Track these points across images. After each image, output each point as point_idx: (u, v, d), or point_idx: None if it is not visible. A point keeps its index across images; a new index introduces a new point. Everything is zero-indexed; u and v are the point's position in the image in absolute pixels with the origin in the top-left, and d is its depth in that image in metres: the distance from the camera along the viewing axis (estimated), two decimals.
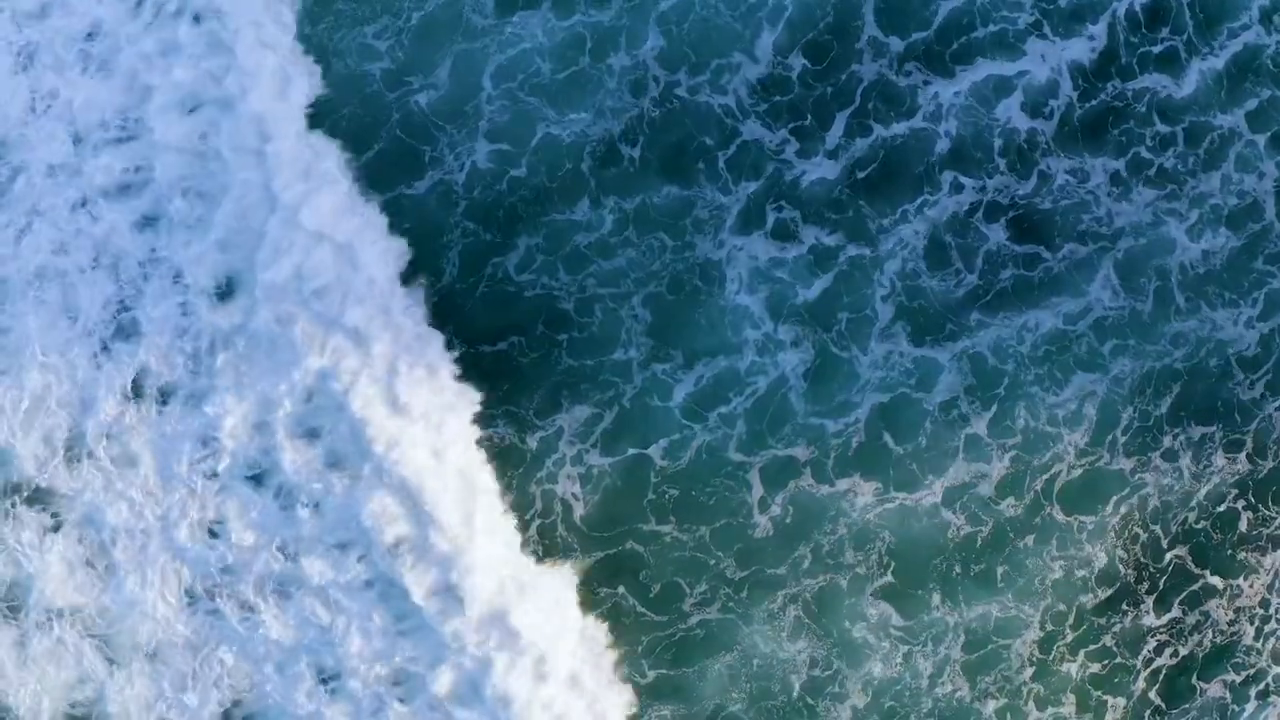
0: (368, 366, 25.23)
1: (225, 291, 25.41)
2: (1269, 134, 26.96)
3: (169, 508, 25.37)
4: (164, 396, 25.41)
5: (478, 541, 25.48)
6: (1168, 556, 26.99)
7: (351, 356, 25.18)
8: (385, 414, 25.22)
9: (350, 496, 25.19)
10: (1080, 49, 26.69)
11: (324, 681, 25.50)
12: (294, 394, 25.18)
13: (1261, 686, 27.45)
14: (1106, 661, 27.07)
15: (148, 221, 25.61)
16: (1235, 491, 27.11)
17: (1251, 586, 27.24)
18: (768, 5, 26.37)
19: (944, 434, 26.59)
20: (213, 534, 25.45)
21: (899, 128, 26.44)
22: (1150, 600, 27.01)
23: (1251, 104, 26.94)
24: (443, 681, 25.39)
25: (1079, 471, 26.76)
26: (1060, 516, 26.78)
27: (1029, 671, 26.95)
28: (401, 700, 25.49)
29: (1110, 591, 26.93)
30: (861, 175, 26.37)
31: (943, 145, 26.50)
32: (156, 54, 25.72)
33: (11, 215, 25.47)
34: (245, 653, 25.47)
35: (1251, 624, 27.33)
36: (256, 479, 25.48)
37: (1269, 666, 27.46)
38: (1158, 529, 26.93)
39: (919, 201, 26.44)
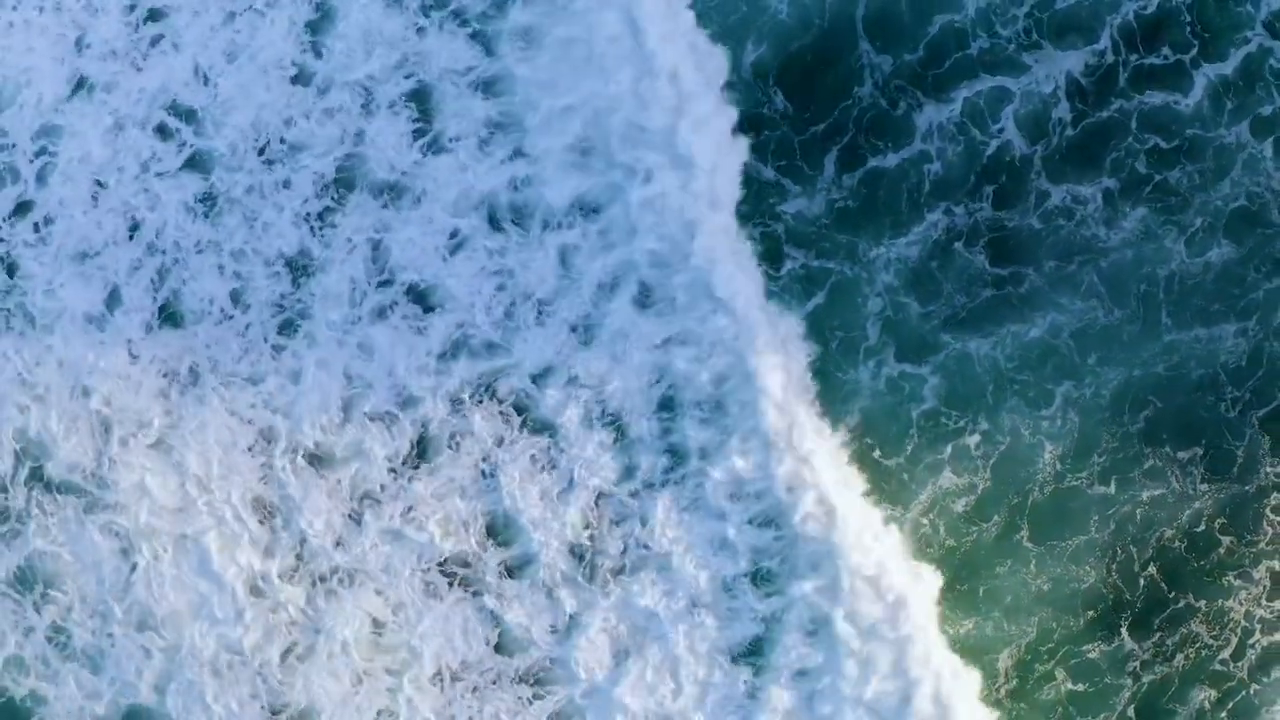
0: None
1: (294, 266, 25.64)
2: (1273, 139, 26.58)
3: (218, 496, 25.41)
4: (208, 380, 25.42)
5: None
6: (1149, 576, 26.95)
7: None
8: None
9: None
10: (1077, 63, 26.37)
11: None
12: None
13: (1239, 700, 27.36)
14: (1086, 682, 27.05)
15: (203, 203, 25.67)
16: (1219, 508, 26.95)
17: (1239, 604, 27.15)
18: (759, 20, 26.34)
19: (927, 449, 26.66)
20: (262, 522, 25.58)
21: (892, 150, 26.32)
22: (1131, 620, 26.99)
23: (1264, 111, 26.57)
24: None
25: (1064, 488, 26.74)
26: (1042, 532, 26.79)
27: (1010, 686, 27.02)
28: None
29: (1091, 611, 26.94)
30: (852, 199, 26.32)
31: (935, 166, 26.33)
32: None
33: (62, 191, 25.53)
34: (304, 647, 25.66)
35: (1236, 634, 27.21)
36: (316, 460, 25.59)
37: (1248, 681, 27.38)
38: (1139, 549, 26.89)
39: (910, 220, 26.39)
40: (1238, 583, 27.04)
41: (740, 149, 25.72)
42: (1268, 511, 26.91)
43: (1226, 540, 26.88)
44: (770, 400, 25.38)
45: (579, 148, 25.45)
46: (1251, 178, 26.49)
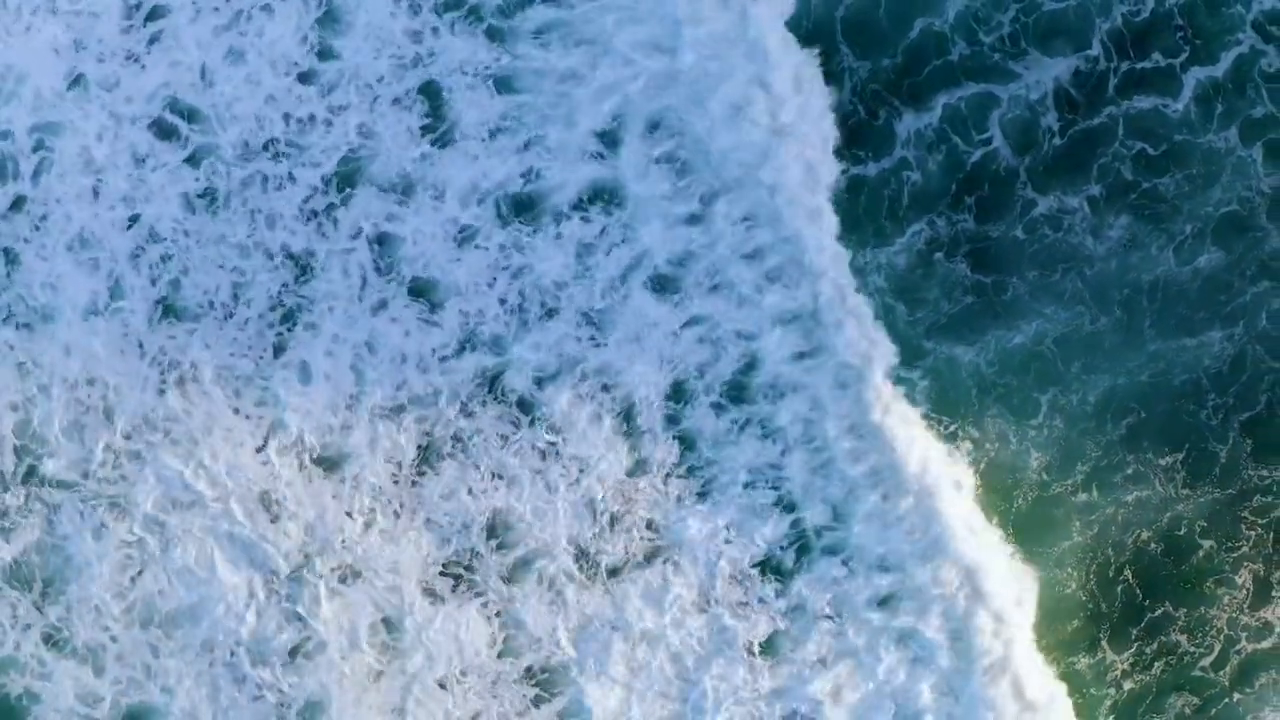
0: None
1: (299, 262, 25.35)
2: (1262, 142, 26.54)
3: (222, 492, 25.08)
4: (211, 375, 25.07)
5: None
6: (1131, 583, 27.06)
7: None
8: None
9: None
10: (1066, 69, 26.30)
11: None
12: None
13: (1221, 707, 27.53)
14: (1071, 692, 27.03)
15: (204, 198, 25.33)
16: (1201, 513, 27.10)
17: (1221, 610, 27.32)
18: None
19: None
20: (275, 520, 25.28)
21: (874, 160, 26.37)
22: (1113, 628, 27.09)
23: (1255, 113, 26.53)
24: None
25: (1048, 495, 26.86)
26: (1027, 539, 26.85)
27: None
28: None
29: (1073, 619, 27.06)
30: (840, 203, 26.28)
31: (915, 175, 26.35)
32: None
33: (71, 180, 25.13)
34: (311, 646, 25.38)
35: (1218, 642, 27.37)
36: (321, 458, 25.31)
37: (1230, 689, 27.55)
38: (1122, 556, 26.99)
39: (896, 226, 26.44)
40: (1220, 590, 27.21)
41: None
42: (1248, 515, 27.14)
43: (1207, 545, 27.06)
44: (787, 390, 25.71)
45: (595, 140, 25.48)
46: (1241, 182, 26.55)
